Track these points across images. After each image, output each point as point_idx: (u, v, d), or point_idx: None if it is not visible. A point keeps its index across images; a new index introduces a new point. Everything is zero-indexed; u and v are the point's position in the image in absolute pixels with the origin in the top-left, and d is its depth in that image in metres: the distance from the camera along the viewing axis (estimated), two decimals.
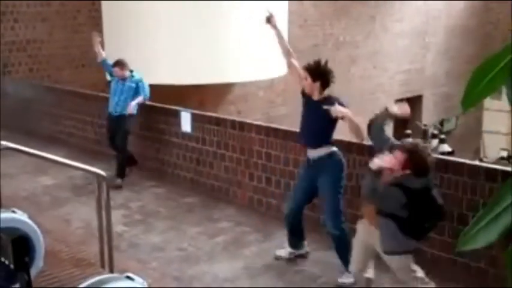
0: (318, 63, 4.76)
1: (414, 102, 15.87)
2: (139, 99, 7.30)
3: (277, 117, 12.16)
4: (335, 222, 4.74)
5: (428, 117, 15.53)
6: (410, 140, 4.11)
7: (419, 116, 15.68)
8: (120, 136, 7.29)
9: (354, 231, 4.07)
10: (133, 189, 7.11)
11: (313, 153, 4.80)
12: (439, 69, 16.10)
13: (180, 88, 9.66)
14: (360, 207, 5.13)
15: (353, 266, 4.22)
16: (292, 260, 5.17)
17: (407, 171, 3.65)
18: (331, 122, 4.67)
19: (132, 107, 7.26)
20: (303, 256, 5.23)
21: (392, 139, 4.01)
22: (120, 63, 7.26)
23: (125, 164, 7.35)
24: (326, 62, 4.78)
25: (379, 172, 3.76)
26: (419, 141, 4.05)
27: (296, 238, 5.19)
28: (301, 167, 5.20)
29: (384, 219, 3.75)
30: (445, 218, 4.09)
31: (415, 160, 3.65)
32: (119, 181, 7.09)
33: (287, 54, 5.14)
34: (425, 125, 14.02)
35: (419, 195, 3.67)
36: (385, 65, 14.79)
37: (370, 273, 4.17)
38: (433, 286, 3.98)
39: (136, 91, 7.29)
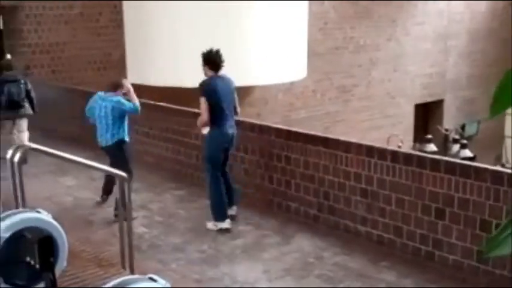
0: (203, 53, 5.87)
1: (435, 106, 15.75)
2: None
3: (297, 120, 12.14)
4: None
5: (450, 122, 15.37)
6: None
7: (441, 120, 15.53)
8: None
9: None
10: (153, 190, 7.15)
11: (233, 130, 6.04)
12: (461, 73, 15.93)
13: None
14: None
15: None
16: (312, 263, 5.15)
17: None
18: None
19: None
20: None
21: None
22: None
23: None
24: (210, 50, 5.85)
25: None
26: None
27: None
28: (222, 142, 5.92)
29: None
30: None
31: None
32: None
33: None
34: (446, 130, 13.88)
35: None
36: (406, 68, 14.69)
37: None
38: None
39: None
